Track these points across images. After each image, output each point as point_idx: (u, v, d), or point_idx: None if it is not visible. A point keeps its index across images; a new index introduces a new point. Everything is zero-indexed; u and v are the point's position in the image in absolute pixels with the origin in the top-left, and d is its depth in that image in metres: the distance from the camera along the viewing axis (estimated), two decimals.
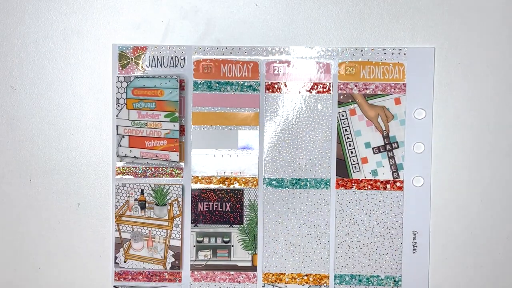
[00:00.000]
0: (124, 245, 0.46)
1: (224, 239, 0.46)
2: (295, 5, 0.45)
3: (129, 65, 0.45)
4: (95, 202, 0.46)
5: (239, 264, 0.46)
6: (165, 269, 0.46)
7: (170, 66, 0.45)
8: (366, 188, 0.46)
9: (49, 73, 0.46)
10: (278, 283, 0.46)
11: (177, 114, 0.45)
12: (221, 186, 0.46)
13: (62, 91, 0.46)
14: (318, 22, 0.45)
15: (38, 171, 0.46)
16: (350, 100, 0.45)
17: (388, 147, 0.46)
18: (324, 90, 0.45)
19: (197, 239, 0.46)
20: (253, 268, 0.46)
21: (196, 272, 0.46)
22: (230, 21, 0.45)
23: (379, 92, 0.45)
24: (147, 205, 0.46)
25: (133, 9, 0.45)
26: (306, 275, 0.46)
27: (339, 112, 0.46)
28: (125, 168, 0.46)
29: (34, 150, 0.46)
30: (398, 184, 0.46)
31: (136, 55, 0.45)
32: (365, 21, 0.45)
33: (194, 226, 0.46)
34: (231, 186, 0.46)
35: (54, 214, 0.47)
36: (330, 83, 0.45)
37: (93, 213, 0.46)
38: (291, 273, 0.46)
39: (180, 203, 0.46)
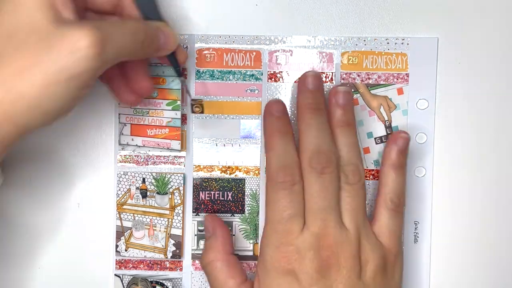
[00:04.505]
0: (126, 233, 0.46)
1: None
2: None
3: None
4: (97, 191, 0.46)
5: (240, 253, 0.46)
6: (166, 258, 0.46)
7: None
8: (368, 178, 0.46)
9: None
10: None
11: (179, 102, 0.45)
12: (223, 175, 0.46)
13: None
14: (320, 11, 0.45)
15: (38, 171, 0.46)
16: (352, 90, 0.45)
17: None
18: (327, 79, 0.45)
19: (199, 228, 0.46)
20: (254, 257, 0.46)
21: (197, 261, 0.46)
22: (230, 21, 0.45)
23: (381, 82, 0.45)
24: (148, 193, 0.46)
25: None
26: None
27: None
28: (127, 156, 0.46)
29: (35, 148, 0.46)
30: None
31: None
32: (368, 11, 0.45)
33: (196, 215, 0.46)
34: (233, 175, 0.46)
35: (54, 208, 0.46)
36: (332, 73, 0.45)
37: (94, 202, 0.46)
38: None
39: (182, 192, 0.46)
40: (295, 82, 0.45)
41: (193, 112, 0.45)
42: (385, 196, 0.42)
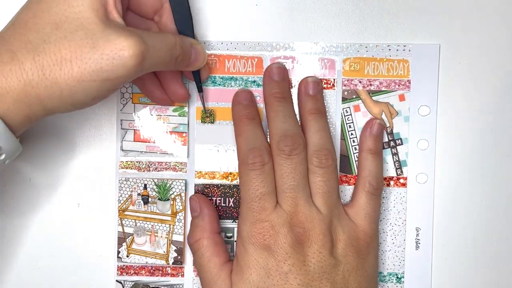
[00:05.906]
0: (127, 239, 0.46)
1: (227, 234, 0.46)
2: (297, 0, 0.45)
3: None
4: (98, 197, 0.46)
5: None
6: (168, 264, 0.46)
7: None
8: None
9: None
10: None
11: (186, 108, 0.45)
12: (224, 181, 0.46)
13: None
14: (321, 18, 0.45)
15: (39, 171, 0.46)
16: (354, 96, 0.45)
17: (392, 143, 0.46)
18: (328, 86, 0.45)
19: None
20: None
21: None
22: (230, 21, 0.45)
23: (383, 89, 0.45)
24: (150, 199, 0.46)
25: None
26: None
27: (343, 108, 0.46)
28: (129, 162, 0.46)
29: (35, 148, 0.46)
30: (401, 180, 0.46)
31: None
32: (370, 17, 0.45)
33: None
34: (234, 182, 0.46)
35: (54, 213, 0.46)
36: (334, 79, 0.45)
37: (95, 208, 0.46)
38: None
39: (183, 198, 0.46)
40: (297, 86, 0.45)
41: (203, 122, 0.45)
42: (364, 180, 0.43)
